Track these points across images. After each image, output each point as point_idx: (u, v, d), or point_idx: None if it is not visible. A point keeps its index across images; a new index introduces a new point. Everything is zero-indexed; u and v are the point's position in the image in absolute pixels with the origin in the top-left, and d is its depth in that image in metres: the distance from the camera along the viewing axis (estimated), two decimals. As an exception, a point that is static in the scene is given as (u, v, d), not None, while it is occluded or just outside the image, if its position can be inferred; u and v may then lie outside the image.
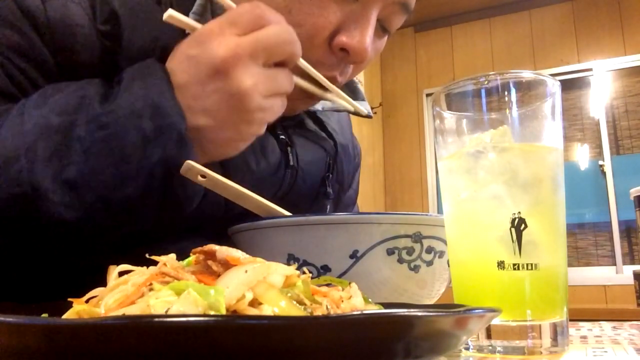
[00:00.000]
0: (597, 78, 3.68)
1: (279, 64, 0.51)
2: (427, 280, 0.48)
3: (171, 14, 0.50)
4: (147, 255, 0.33)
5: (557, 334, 0.37)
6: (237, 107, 0.48)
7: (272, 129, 0.64)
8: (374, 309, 0.33)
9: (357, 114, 0.71)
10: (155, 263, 0.31)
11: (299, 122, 0.71)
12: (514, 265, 0.36)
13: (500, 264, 0.36)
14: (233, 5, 0.53)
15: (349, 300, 0.32)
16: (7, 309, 0.33)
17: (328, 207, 0.70)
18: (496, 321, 0.36)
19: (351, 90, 0.74)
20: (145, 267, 0.31)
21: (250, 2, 0.50)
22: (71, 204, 0.46)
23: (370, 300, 0.34)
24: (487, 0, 3.93)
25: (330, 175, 0.70)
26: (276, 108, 0.50)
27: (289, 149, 0.66)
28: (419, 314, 0.24)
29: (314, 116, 0.74)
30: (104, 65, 0.54)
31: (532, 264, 0.36)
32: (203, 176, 0.47)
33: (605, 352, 0.36)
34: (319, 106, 0.71)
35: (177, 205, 0.50)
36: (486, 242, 0.38)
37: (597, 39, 3.70)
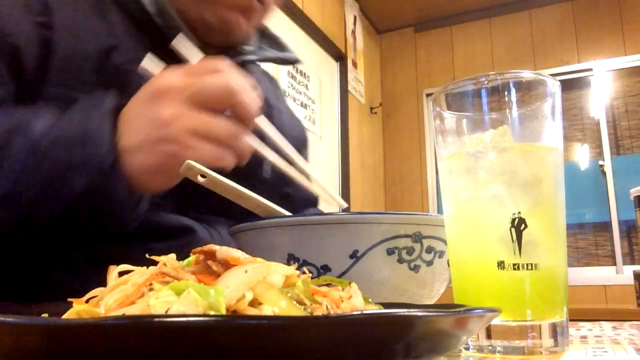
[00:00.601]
0: (597, 78, 3.68)
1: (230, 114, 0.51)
2: (427, 280, 0.48)
3: (143, 66, 0.54)
4: (147, 255, 0.33)
5: (557, 334, 0.37)
6: (156, 134, 0.49)
7: None
8: (374, 309, 0.33)
9: (286, 62, 0.79)
10: (155, 263, 0.31)
11: None
12: (514, 265, 0.36)
13: (500, 264, 0.36)
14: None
15: (349, 300, 0.32)
16: (7, 309, 0.33)
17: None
18: (496, 321, 0.36)
19: (273, 41, 0.80)
20: (145, 267, 0.31)
21: (214, 60, 0.52)
22: (1, 217, 0.49)
23: (370, 300, 0.34)
24: (487, 0, 3.93)
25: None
26: (203, 151, 0.49)
27: None
28: (419, 314, 0.24)
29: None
30: (43, 57, 0.57)
31: (532, 264, 0.36)
32: (203, 176, 0.47)
33: (605, 352, 0.36)
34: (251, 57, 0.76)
35: (112, 228, 0.53)
36: (486, 242, 0.38)
37: (597, 39, 3.70)
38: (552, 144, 0.38)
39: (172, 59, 0.59)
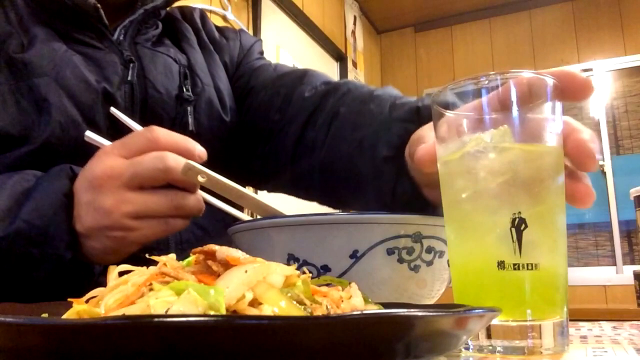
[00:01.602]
0: (597, 78, 3.67)
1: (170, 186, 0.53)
2: (427, 280, 0.48)
3: (88, 135, 0.56)
4: (147, 256, 0.33)
5: (557, 334, 0.36)
6: (101, 223, 0.51)
7: (117, 47, 0.69)
8: (374, 309, 0.33)
9: None
10: (155, 263, 0.31)
11: (156, 37, 0.75)
12: (514, 265, 0.36)
13: (501, 264, 0.36)
14: (137, 127, 0.59)
15: (349, 300, 0.32)
16: (7, 309, 0.33)
17: (188, 109, 0.71)
18: (496, 321, 0.36)
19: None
20: (145, 267, 0.31)
21: (148, 127, 0.53)
22: None
23: (370, 300, 0.34)
24: (487, 0, 3.93)
25: (187, 81, 0.73)
26: (148, 229, 0.52)
27: (131, 65, 0.68)
28: (419, 314, 0.24)
29: (173, 30, 0.78)
30: None
31: (532, 264, 0.36)
32: (203, 176, 0.47)
33: (605, 352, 0.36)
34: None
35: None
36: (486, 242, 0.38)
37: (597, 39, 3.70)
38: (553, 144, 0.38)
39: (79, 43, 0.65)
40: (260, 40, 0.91)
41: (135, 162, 0.51)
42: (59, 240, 0.51)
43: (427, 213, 0.47)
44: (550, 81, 0.38)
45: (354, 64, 3.76)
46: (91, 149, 0.55)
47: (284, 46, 2.84)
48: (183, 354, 0.21)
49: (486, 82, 0.38)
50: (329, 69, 3.52)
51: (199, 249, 0.31)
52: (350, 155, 0.64)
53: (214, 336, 0.21)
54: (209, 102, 0.74)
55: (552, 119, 0.38)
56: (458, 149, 0.39)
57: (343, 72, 3.60)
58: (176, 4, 0.80)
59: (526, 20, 3.92)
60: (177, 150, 0.52)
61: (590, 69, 3.68)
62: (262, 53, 0.88)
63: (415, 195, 0.56)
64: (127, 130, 0.60)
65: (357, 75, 3.80)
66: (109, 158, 0.52)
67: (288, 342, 0.21)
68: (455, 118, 0.40)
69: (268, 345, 0.21)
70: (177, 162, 0.51)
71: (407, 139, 0.55)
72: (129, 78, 0.67)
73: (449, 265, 0.47)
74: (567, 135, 0.39)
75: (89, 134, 0.56)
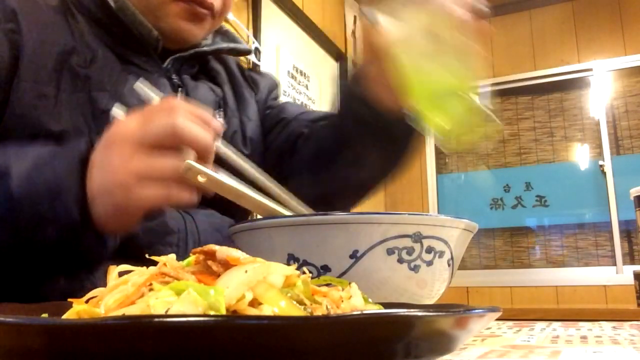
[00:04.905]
0: (597, 78, 3.67)
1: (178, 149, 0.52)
2: (427, 280, 0.48)
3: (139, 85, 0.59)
4: (147, 256, 0.33)
5: None
6: (106, 180, 0.51)
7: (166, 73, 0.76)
8: (374, 309, 0.33)
9: (239, 53, 0.89)
10: (155, 263, 0.31)
11: (193, 73, 0.82)
12: None
13: None
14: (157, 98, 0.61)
15: (349, 300, 0.32)
16: (7, 309, 0.33)
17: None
18: None
19: (229, 38, 0.89)
20: (145, 267, 0.31)
21: (168, 97, 0.56)
22: None
23: (370, 300, 0.34)
24: (487, 0, 3.92)
25: (220, 110, 0.81)
26: (149, 191, 0.51)
27: (179, 89, 0.76)
28: (419, 314, 0.24)
29: (207, 68, 0.86)
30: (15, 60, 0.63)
31: None
32: (203, 176, 0.47)
33: (606, 352, 0.37)
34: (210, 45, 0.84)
35: (82, 265, 0.58)
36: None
37: (597, 39, 3.70)
38: None
39: (134, 65, 0.70)
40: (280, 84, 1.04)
41: (147, 121, 0.51)
42: (69, 197, 0.51)
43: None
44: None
45: (354, 64, 3.76)
46: None
47: (284, 46, 2.84)
48: (183, 354, 0.21)
49: None
50: (329, 69, 3.52)
51: (199, 249, 0.31)
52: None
53: (214, 336, 0.21)
54: (233, 133, 0.81)
55: None
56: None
57: (343, 72, 3.60)
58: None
59: (526, 20, 3.92)
60: (192, 116, 0.52)
61: (590, 69, 3.68)
62: (278, 97, 1.00)
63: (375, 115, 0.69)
64: None
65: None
66: (130, 119, 0.53)
67: (288, 342, 0.21)
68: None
69: (268, 345, 0.21)
70: (185, 123, 0.51)
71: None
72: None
73: (448, 265, 0.48)
74: None
75: (140, 84, 0.59)
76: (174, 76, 0.77)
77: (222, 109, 0.81)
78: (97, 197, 0.52)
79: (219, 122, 0.55)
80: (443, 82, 0.54)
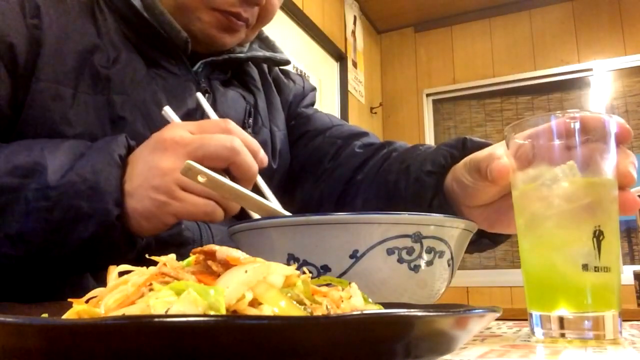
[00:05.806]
0: (597, 78, 3.67)
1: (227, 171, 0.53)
2: (427, 280, 0.48)
3: (166, 111, 0.59)
4: (147, 256, 0.33)
5: (617, 324, 0.45)
6: (150, 181, 0.51)
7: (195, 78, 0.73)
8: (374, 309, 0.33)
9: (276, 63, 0.85)
10: (155, 263, 0.31)
11: (225, 79, 0.80)
12: (595, 267, 0.43)
13: (585, 267, 0.43)
14: (213, 116, 0.62)
15: (349, 300, 0.32)
16: (7, 309, 0.33)
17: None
18: (567, 313, 0.43)
19: (267, 45, 0.85)
20: (145, 267, 0.31)
21: (224, 119, 0.55)
22: (10, 254, 0.51)
23: (370, 300, 0.34)
24: (487, 0, 3.93)
25: (251, 118, 0.79)
26: (190, 204, 0.51)
27: (206, 95, 0.72)
28: (419, 314, 0.24)
29: (241, 73, 0.83)
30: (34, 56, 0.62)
31: (607, 267, 0.44)
32: (203, 176, 0.47)
33: (605, 352, 0.37)
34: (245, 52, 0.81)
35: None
36: (572, 250, 0.44)
37: (597, 39, 3.70)
38: (612, 176, 0.44)
39: (160, 67, 0.68)
40: (316, 90, 0.98)
41: (206, 136, 0.52)
42: (108, 195, 0.51)
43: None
44: (613, 122, 0.44)
45: (354, 64, 3.76)
46: None
47: (284, 46, 2.83)
48: (183, 354, 0.21)
49: (558, 118, 0.44)
50: (329, 69, 3.52)
51: (199, 249, 0.31)
52: (396, 181, 0.68)
53: (214, 336, 0.21)
54: (263, 144, 0.78)
55: (609, 153, 0.44)
56: (534, 179, 0.45)
57: (343, 72, 3.60)
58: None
59: (526, 20, 3.92)
60: (245, 144, 0.53)
61: (590, 69, 3.68)
62: (313, 104, 0.95)
63: (447, 212, 0.59)
64: None
65: (357, 75, 3.80)
66: (180, 128, 0.53)
67: (288, 342, 0.21)
68: (531, 147, 0.45)
69: (268, 345, 0.21)
70: (242, 148, 0.51)
71: (450, 163, 0.60)
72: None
73: (448, 266, 0.48)
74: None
75: (167, 110, 0.59)
76: (202, 80, 0.74)
77: (252, 117, 0.79)
78: (134, 196, 0.51)
79: (265, 156, 0.55)
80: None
